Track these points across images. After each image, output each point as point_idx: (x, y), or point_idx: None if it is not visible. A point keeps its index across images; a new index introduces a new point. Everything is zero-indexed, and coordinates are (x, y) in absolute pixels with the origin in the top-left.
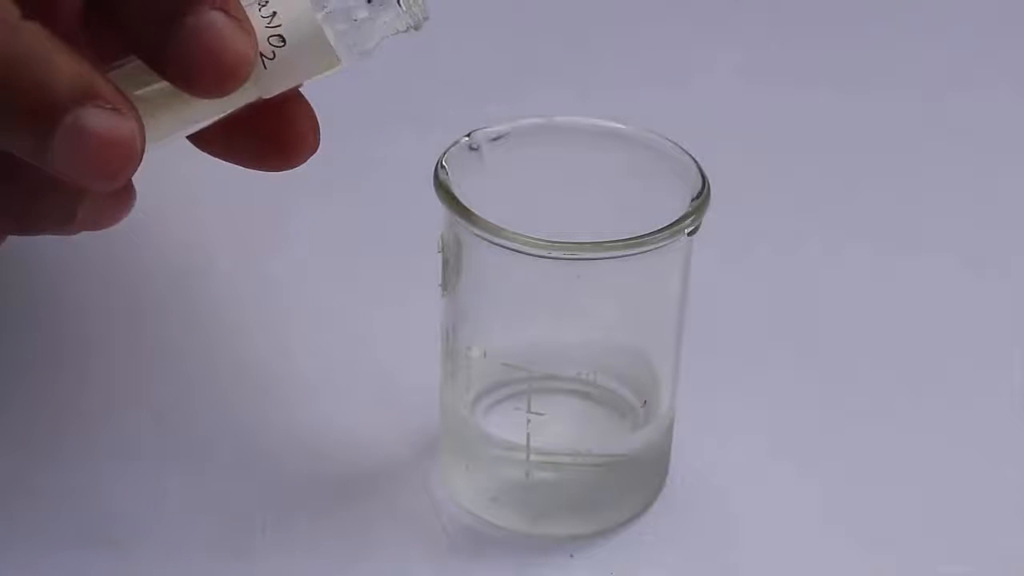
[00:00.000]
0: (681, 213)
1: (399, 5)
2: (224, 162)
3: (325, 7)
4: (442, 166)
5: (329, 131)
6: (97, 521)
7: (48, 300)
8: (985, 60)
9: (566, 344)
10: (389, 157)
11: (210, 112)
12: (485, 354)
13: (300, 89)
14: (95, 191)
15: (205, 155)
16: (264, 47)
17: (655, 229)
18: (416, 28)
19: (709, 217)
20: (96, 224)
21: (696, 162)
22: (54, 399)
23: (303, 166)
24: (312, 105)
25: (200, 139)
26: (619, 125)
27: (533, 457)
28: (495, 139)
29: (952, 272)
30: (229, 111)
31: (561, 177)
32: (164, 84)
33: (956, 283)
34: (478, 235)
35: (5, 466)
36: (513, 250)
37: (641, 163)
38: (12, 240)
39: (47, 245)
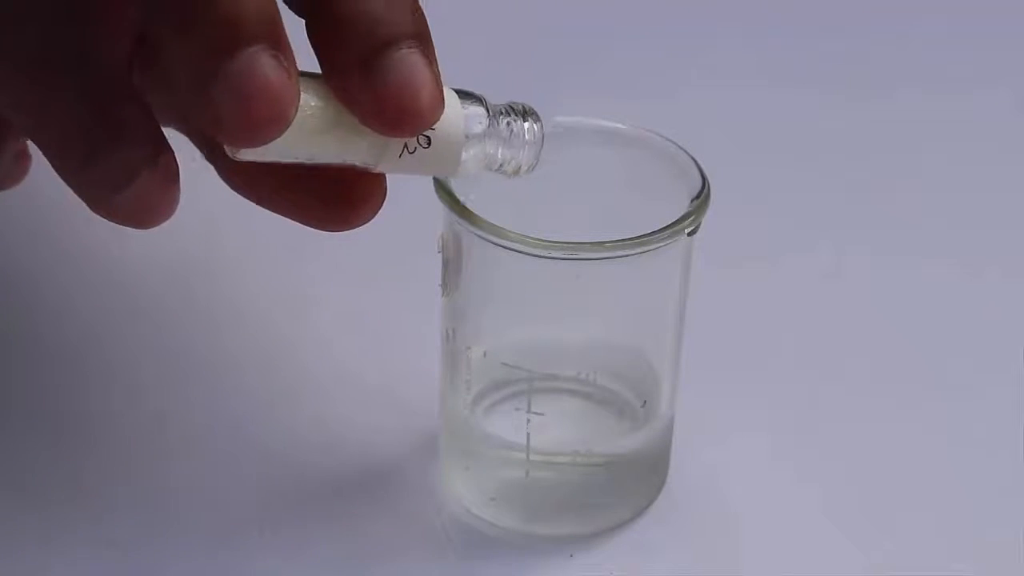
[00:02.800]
0: (681, 213)
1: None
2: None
3: (473, 131)
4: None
5: None
6: (97, 521)
7: (48, 299)
8: (985, 60)
9: (566, 344)
10: None
11: (329, 151)
12: (485, 354)
13: None
14: (225, 139)
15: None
16: (411, 142)
17: (655, 229)
18: (516, 174)
19: (709, 217)
20: None
21: (696, 162)
22: (54, 399)
23: None
24: None
25: (261, 192)
26: (619, 125)
27: (533, 457)
28: None
29: (952, 272)
30: (343, 159)
31: (561, 177)
32: (321, 105)
33: (956, 283)
34: (478, 235)
35: (5, 466)
36: (513, 250)
37: (641, 163)
38: (13, 240)
39: (47, 245)
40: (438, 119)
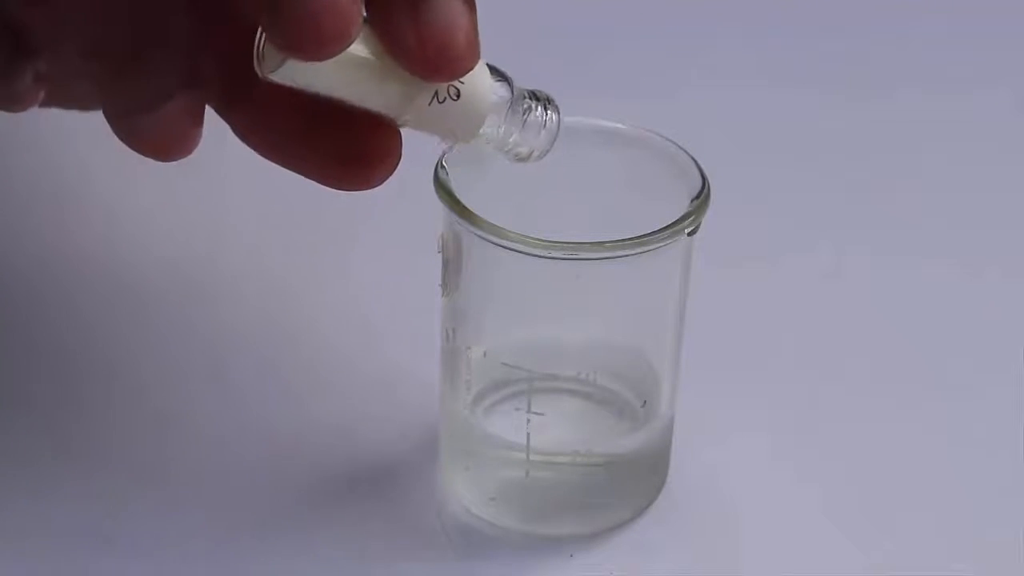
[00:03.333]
0: (681, 213)
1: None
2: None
3: (498, 99)
4: (442, 166)
5: None
6: (97, 520)
7: (47, 298)
8: (985, 60)
9: (566, 344)
10: None
11: (361, 89)
12: (485, 354)
13: None
14: (287, 46)
15: (208, 160)
16: (442, 91)
17: (655, 229)
18: (526, 160)
19: (709, 217)
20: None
21: (696, 162)
22: (53, 397)
23: None
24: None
25: (278, 148)
26: (619, 125)
27: (533, 457)
28: None
29: (952, 272)
30: (371, 103)
31: (561, 177)
32: (364, 40)
33: (956, 283)
34: (478, 235)
35: (5, 465)
36: (513, 250)
37: (641, 163)
38: (12, 238)
39: (47, 244)
40: (473, 66)
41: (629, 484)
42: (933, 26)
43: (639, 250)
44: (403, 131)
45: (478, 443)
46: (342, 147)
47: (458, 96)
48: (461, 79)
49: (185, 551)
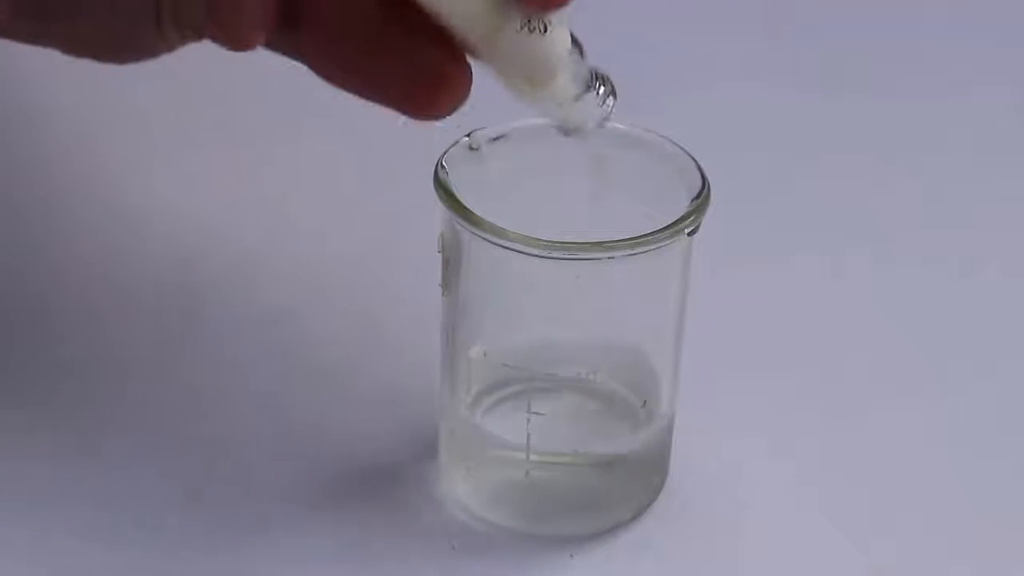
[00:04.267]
0: (681, 213)
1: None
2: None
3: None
4: (442, 166)
5: (329, 131)
6: (97, 520)
7: (46, 298)
8: (985, 60)
9: (566, 344)
10: (390, 156)
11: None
12: (485, 354)
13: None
14: None
15: (209, 152)
16: (534, 21)
17: (655, 229)
18: (571, 132)
19: (709, 217)
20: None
21: (696, 162)
22: (54, 397)
23: (304, 165)
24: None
25: (348, 72)
26: (619, 125)
27: (533, 457)
28: (495, 139)
29: (953, 272)
30: (459, 17)
31: (561, 177)
32: None
33: (957, 283)
34: (478, 235)
35: (5, 465)
36: (513, 250)
37: (641, 163)
38: (12, 237)
39: (47, 243)
40: (570, 3)
41: (629, 484)
42: (933, 26)
43: (639, 250)
44: (376, 128)
45: (478, 443)
46: (415, 70)
47: (545, 31)
48: (551, 17)
49: (185, 551)
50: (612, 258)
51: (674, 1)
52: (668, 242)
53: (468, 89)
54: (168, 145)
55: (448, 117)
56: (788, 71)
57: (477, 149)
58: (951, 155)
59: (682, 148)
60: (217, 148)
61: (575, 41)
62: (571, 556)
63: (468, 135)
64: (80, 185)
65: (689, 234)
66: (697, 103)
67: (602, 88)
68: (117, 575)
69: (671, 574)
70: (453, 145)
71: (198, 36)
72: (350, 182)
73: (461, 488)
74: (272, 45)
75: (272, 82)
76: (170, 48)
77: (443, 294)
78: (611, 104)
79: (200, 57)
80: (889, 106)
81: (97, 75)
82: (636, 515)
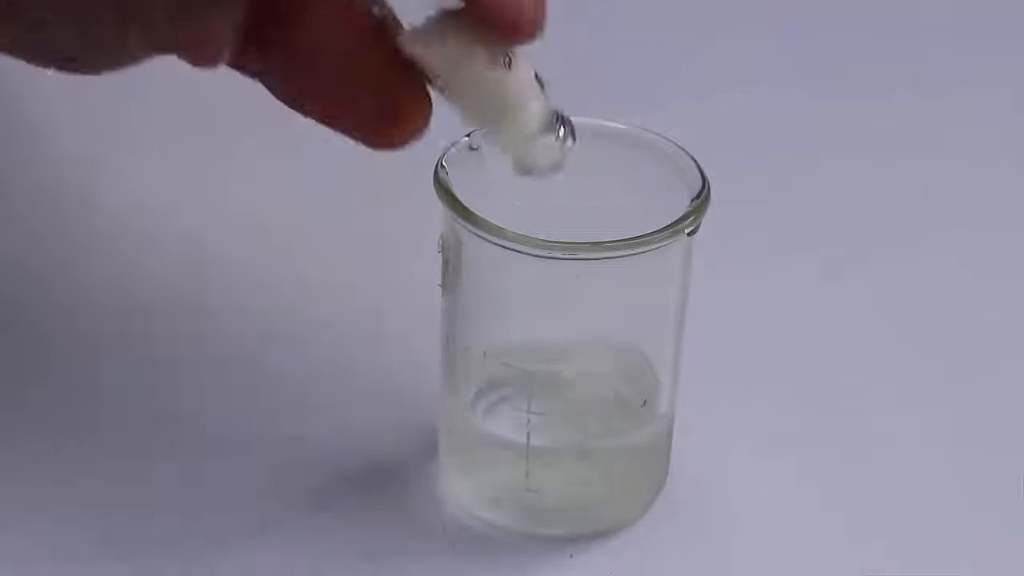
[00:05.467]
0: (681, 213)
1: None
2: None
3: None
4: (442, 166)
5: (329, 132)
6: (96, 521)
7: (46, 297)
8: (985, 61)
9: (566, 344)
10: (389, 157)
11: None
12: (485, 354)
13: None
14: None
15: (209, 151)
16: (500, 56)
17: (655, 229)
18: (528, 172)
19: (709, 217)
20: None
21: (696, 162)
22: (54, 397)
23: (304, 165)
24: None
25: (312, 103)
26: (619, 125)
27: (533, 457)
28: None
29: (952, 274)
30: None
31: (561, 177)
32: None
33: (957, 283)
34: (478, 235)
35: (5, 464)
36: (513, 250)
37: (641, 163)
38: (14, 237)
39: (45, 243)
40: (540, 32)
41: (629, 484)
42: (933, 26)
43: (639, 250)
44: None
45: (478, 443)
46: (380, 102)
47: (510, 67)
48: (514, 51)
49: (185, 551)
50: (612, 258)
51: (674, 2)
52: (668, 242)
53: (428, 123)
54: (168, 144)
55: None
56: (788, 71)
57: (477, 149)
58: (951, 155)
59: (682, 148)
60: (217, 148)
61: (539, 79)
62: (571, 556)
63: (468, 135)
64: (80, 185)
65: (689, 234)
66: (697, 103)
67: (563, 129)
68: None
69: (671, 574)
70: (453, 145)
71: (163, 51)
72: (350, 182)
73: (461, 488)
74: (236, 65)
75: None
76: (136, 61)
77: (443, 294)
78: (570, 145)
79: None
80: (889, 106)
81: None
82: (636, 515)
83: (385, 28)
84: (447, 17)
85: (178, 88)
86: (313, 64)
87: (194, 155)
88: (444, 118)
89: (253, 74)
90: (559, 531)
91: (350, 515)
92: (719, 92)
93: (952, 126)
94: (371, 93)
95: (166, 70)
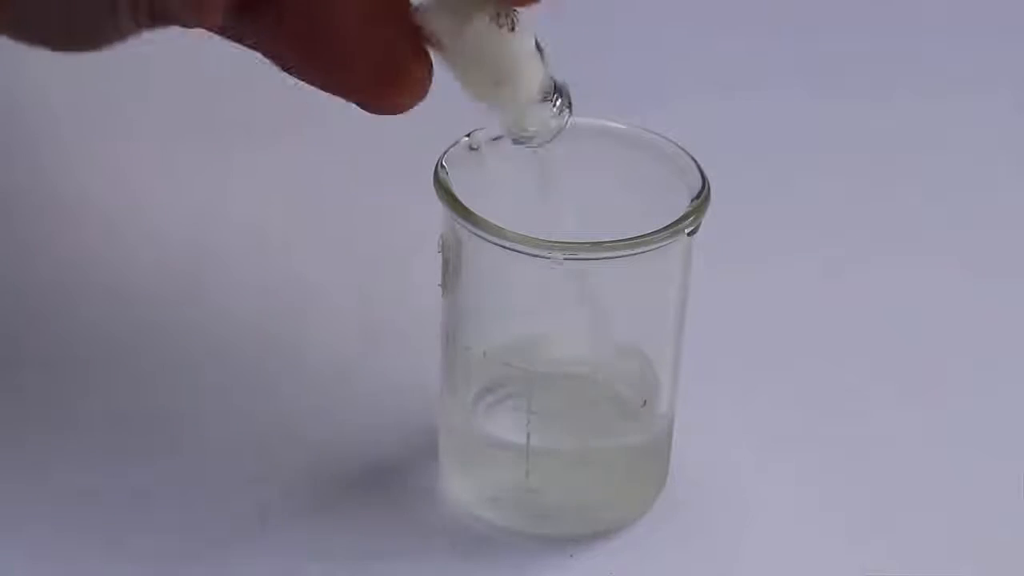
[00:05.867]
0: (681, 213)
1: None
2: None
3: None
4: (442, 166)
5: (329, 131)
6: (97, 519)
7: (45, 297)
8: (984, 61)
9: (566, 344)
10: (390, 157)
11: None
12: (485, 353)
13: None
14: None
15: (209, 151)
16: (503, 15)
17: (655, 229)
18: (525, 142)
19: (709, 217)
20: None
21: (696, 162)
22: (54, 396)
23: (304, 165)
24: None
25: (310, 66)
26: (619, 125)
27: (533, 457)
28: (495, 139)
29: (952, 274)
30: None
31: (561, 177)
32: None
33: (957, 284)
34: (478, 235)
35: (5, 464)
36: (513, 250)
37: (641, 163)
38: (15, 237)
39: (44, 243)
40: None
41: (629, 484)
42: (933, 27)
43: (639, 250)
44: (376, 128)
45: (478, 443)
46: (380, 63)
47: (512, 28)
48: (517, 16)
49: (185, 550)
50: (612, 258)
51: (675, 2)
52: (668, 242)
53: (428, 87)
54: (169, 142)
55: (402, 115)
56: (789, 72)
57: (477, 149)
58: (951, 155)
59: (682, 148)
60: (217, 147)
61: (540, 48)
62: (571, 556)
63: (468, 135)
64: (79, 185)
65: (689, 234)
66: (697, 103)
67: (559, 99)
68: None
69: (671, 574)
70: (453, 145)
71: (153, 19)
72: (350, 182)
73: (461, 488)
74: (230, 27)
75: (272, 81)
76: (123, 36)
77: (443, 294)
78: (567, 116)
79: (200, 55)
80: (889, 106)
81: (93, 75)
82: (636, 515)
83: None
84: None
85: (178, 88)
86: (312, 27)
87: (194, 155)
88: (444, 118)
89: (249, 41)
90: (559, 531)
91: (350, 515)
92: (719, 92)
93: (952, 126)
94: (371, 55)
95: (166, 70)
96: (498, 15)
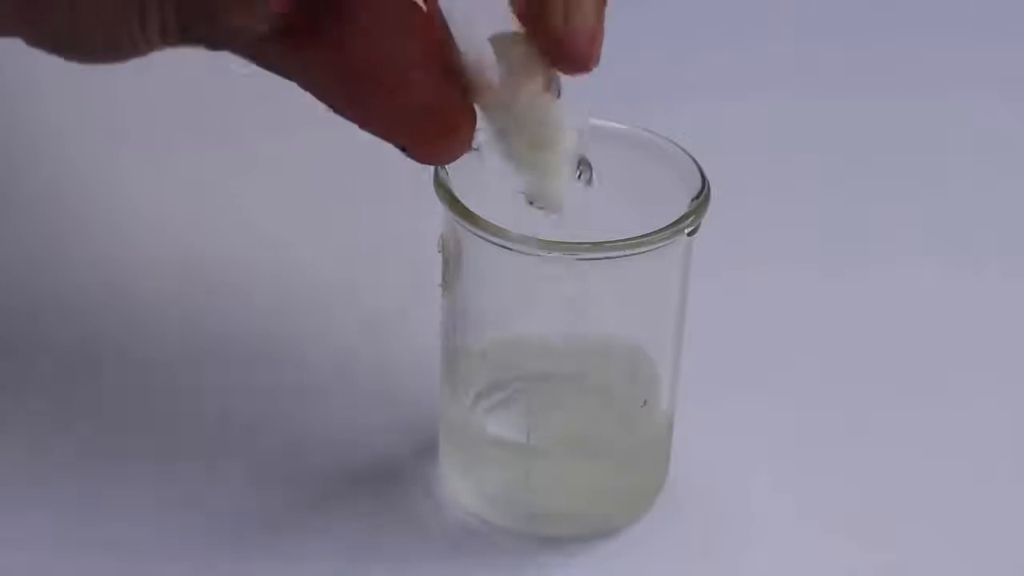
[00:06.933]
0: (681, 213)
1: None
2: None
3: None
4: (442, 166)
5: (329, 131)
6: (96, 521)
7: (45, 297)
8: (986, 64)
9: (566, 344)
10: (389, 157)
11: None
12: (485, 354)
13: None
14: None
15: (208, 150)
16: (555, 83)
17: (655, 229)
18: (541, 206)
19: (708, 217)
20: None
21: (696, 162)
22: (51, 397)
23: (304, 165)
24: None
25: (358, 99)
26: (619, 125)
27: (533, 457)
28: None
29: (953, 274)
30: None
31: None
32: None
33: (957, 285)
34: (478, 235)
35: (6, 464)
36: (513, 250)
37: (641, 163)
38: (14, 237)
39: (44, 243)
40: (595, 63)
41: (629, 484)
42: (933, 29)
43: (639, 250)
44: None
45: (478, 443)
46: (431, 111)
47: (559, 95)
48: (560, 82)
49: (185, 550)
50: (612, 258)
51: (676, 4)
52: (668, 242)
53: (471, 140)
54: (169, 142)
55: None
56: (789, 73)
57: (477, 149)
58: (952, 158)
59: (682, 148)
60: (216, 147)
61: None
62: (571, 556)
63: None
64: (79, 186)
65: (689, 234)
66: (697, 103)
67: (582, 174)
68: None
69: (671, 574)
70: None
71: (181, 37)
72: (350, 182)
73: (461, 488)
74: (269, 53)
75: (272, 81)
76: (147, 50)
77: (443, 294)
78: (589, 188)
79: (200, 55)
80: (889, 108)
81: (92, 76)
82: (636, 515)
83: (445, 38)
84: (510, 37)
85: (178, 88)
86: (370, 63)
87: (194, 155)
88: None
89: (290, 70)
90: (559, 531)
91: (350, 515)
92: (719, 92)
93: (952, 127)
94: (422, 99)
95: (167, 70)
96: (550, 81)
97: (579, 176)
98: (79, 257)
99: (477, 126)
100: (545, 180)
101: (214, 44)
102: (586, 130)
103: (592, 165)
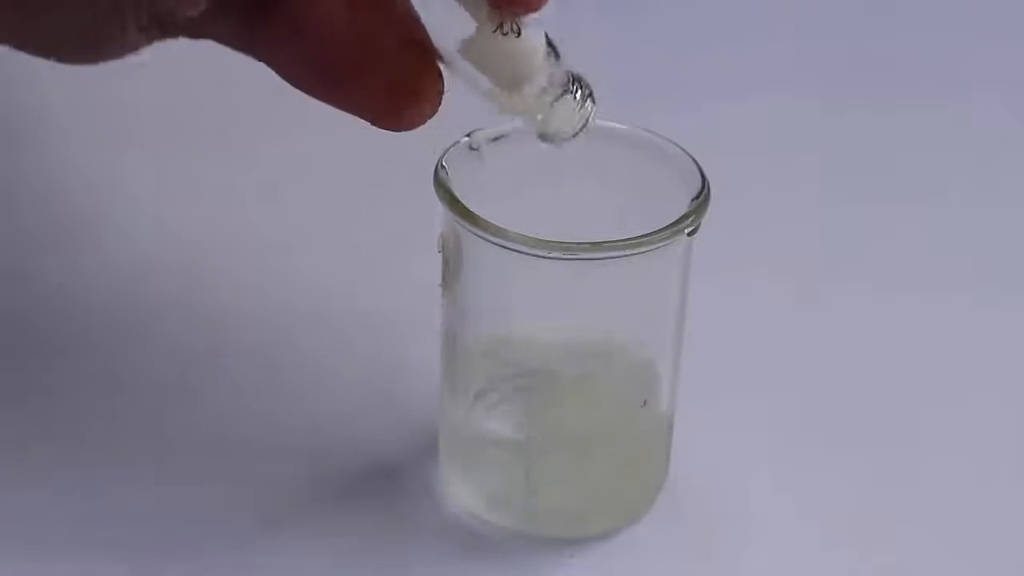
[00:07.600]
0: (681, 213)
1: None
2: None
3: (552, 57)
4: (442, 166)
5: (329, 131)
6: (96, 521)
7: (45, 298)
8: (986, 67)
9: (566, 343)
10: (389, 157)
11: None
12: (485, 354)
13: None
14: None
15: (208, 149)
16: (507, 24)
17: (655, 229)
18: (549, 139)
19: (708, 217)
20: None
21: (696, 162)
22: (50, 396)
23: (304, 165)
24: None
25: (324, 78)
26: (619, 125)
27: (533, 457)
28: (495, 139)
29: (952, 274)
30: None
31: (561, 177)
32: None
33: (957, 285)
34: (478, 235)
35: (7, 468)
36: (513, 250)
37: (641, 163)
38: (13, 238)
39: (44, 244)
40: (543, 6)
41: (628, 484)
42: (933, 32)
43: (639, 250)
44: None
45: (478, 443)
46: (390, 79)
47: (519, 35)
48: (521, 20)
49: (186, 552)
50: (612, 258)
51: (676, 5)
52: (668, 242)
53: (439, 102)
54: (169, 142)
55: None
56: (789, 74)
57: (477, 149)
58: (952, 158)
59: (682, 148)
60: (215, 146)
61: (551, 44)
62: (571, 556)
63: (468, 135)
64: (79, 186)
65: (689, 234)
66: (698, 103)
67: (579, 92)
68: None
69: (671, 574)
70: (453, 145)
71: (160, 27)
72: (350, 182)
73: (461, 488)
74: (241, 44)
75: (272, 81)
76: (131, 49)
77: (443, 293)
78: (590, 108)
79: (199, 55)
80: (889, 109)
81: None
82: (636, 515)
83: (397, 3)
84: None
85: (179, 88)
86: (324, 40)
87: (193, 154)
88: (444, 118)
89: (258, 53)
90: (558, 531)
91: (350, 515)
92: (719, 92)
93: (953, 133)
94: (383, 70)
95: (165, 69)
96: (501, 24)
97: (575, 95)
98: (79, 257)
99: (444, 87)
100: (536, 115)
101: (182, 12)
102: (553, 50)
103: (587, 82)
